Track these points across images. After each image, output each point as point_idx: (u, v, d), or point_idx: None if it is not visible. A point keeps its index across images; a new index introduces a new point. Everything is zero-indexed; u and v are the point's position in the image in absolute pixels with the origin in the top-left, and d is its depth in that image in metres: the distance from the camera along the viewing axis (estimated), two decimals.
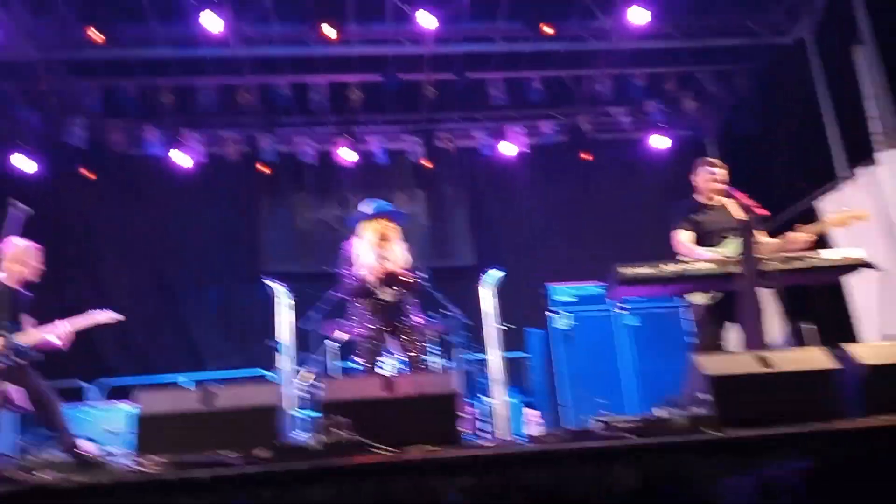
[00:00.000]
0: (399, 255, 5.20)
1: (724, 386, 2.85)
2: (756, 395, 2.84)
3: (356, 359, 5.26)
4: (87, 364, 8.63)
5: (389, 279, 5.10)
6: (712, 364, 2.98)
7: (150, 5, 7.46)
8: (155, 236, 9.43)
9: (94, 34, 7.04)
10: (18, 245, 5.10)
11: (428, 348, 6.62)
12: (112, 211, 9.37)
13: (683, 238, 4.90)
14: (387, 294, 5.12)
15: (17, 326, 4.68)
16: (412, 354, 5.14)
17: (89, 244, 9.36)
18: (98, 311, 5.41)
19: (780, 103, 8.42)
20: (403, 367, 5.36)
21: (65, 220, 9.12)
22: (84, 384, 8.12)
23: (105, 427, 5.76)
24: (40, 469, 2.38)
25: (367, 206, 5.33)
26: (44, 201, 8.19)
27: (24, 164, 8.83)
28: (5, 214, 4.54)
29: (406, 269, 5.14)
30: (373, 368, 5.11)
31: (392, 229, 5.24)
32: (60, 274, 8.74)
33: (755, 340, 3.79)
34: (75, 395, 7.91)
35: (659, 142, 9.66)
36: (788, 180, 8.17)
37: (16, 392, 4.58)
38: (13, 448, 5.31)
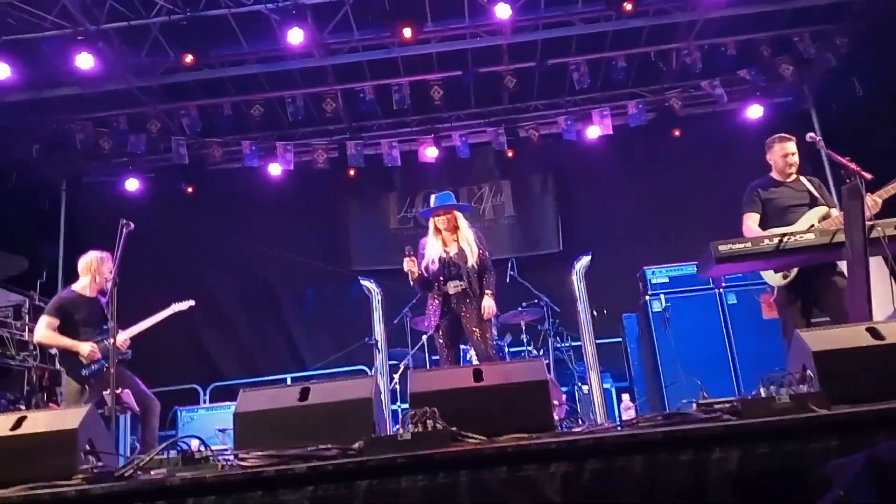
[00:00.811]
0: (468, 245, 5.21)
1: (830, 361, 2.68)
2: (866, 370, 2.65)
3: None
4: (201, 370, 9.20)
5: (450, 270, 5.17)
6: (817, 338, 2.80)
7: (238, 27, 7.81)
8: (254, 244, 9.87)
9: (188, 59, 7.43)
10: (91, 257, 5.46)
11: (496, 337, 6.64)
12: (213, 222, 9.90)
13: (750, 222, 4.78)
14: (451, 286, 5.17)
15: (106, 332, 4.98)
16: (479, 344, 5.13)
17: (194, 255, 9.94)
18: (177, 302, 5.75)
19: (886, 60, 7.82)
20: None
21: (170, 234, 9.72)
22: (199, 388, 8.63)
23: (215, 426, 6.13)
24: (152, 467, 2.54)
25: (431, 201, 5.44)
26: (151, 217, 8.83)
27: (132, 183, 9.50)
28: (117, 231, 4.84)
29: (476, 259, 5.20)
30: (451, 359, 5.21)
31: (452, 220, 5.25)
32: (169, 284, 9.35)
33: (864, 312, 3.55)
34: (192, 399, 8.42)
35: (755, 112, 9.21)
36: None
37: (126, 394, 4.92)
38: (128, 447, 5.68)
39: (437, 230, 5.25)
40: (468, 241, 5.21)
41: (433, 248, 5.22)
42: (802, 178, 4.84)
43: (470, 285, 5.15)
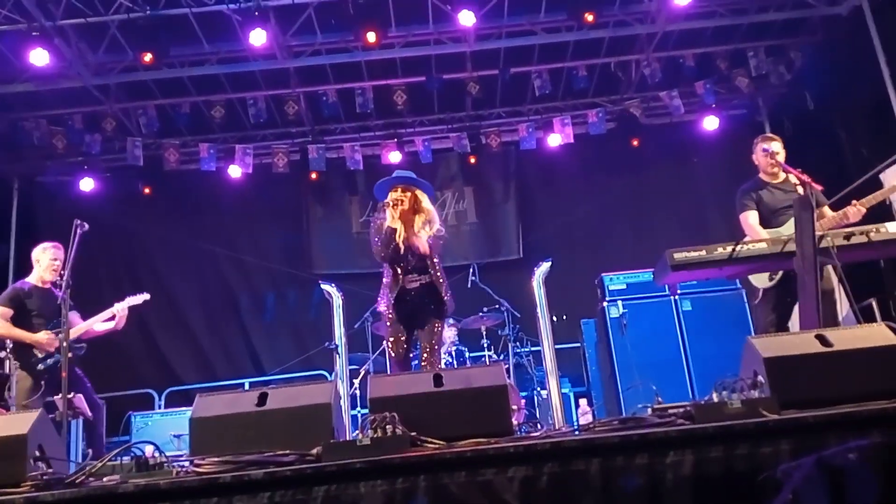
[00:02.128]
0: (421, 227, 4.50)
1: (781, 367, 2.75)
2: (815, 375, 2.73)
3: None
4: (157, 374, 9.04)
5: (409, 261, 4.50)
6: (768, 345, 2.88)
7: (199, 27, 7.71)
8: (213, 247, 9.75)
9: (147, 58, 7.30)
10: (38, 248, 5.38)
11: (455, 342, 6.49)
12: (172, 224, 9.76)
13: (751, 220, 4.80)
14: (409, 280, 4.54)
15: (59, 324, 4.88)
16: (426, 348, 4.52)
17: (152, 257, 9.78)
18: (131, 295, 5.65)
19: (838, 75, 8.09)
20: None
21: (127, 236, 9.55)
22: (154, 392, 8.47)
23: (170, 432, 6.02)
24: (105, 473, 2.48)
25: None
26: (107, 217, 8.65)
27: (87, 183, 9.29)
28: (71, 232, 4.74)
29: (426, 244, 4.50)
30: (402, 357, 4.57)
31: (412, 199, 4.55)
32: (126, 286, 9.16)
33: (814, 319, 3.66)
34: (147, 404, 8.26)
35: (712, 123, 9.42)
36: (852, 153, 7.85)
37: (78, 399, 4.81)
38: (79, 453, 5.56)
39: (394, 211, 4.47)
40: (423, 224, 4.51)
41: (389, 223, 4.47)
42: (792, 178, 4.85)
43: (433, 280, 4.52)
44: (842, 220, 4.48)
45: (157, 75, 8.20)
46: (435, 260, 4.58)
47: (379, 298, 4.71)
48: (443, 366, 6.60)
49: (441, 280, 4.58)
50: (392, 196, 4.52)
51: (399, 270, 4.55)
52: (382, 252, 4.50)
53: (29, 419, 2.77)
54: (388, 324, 4.60)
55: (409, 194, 4.56)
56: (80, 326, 5.29)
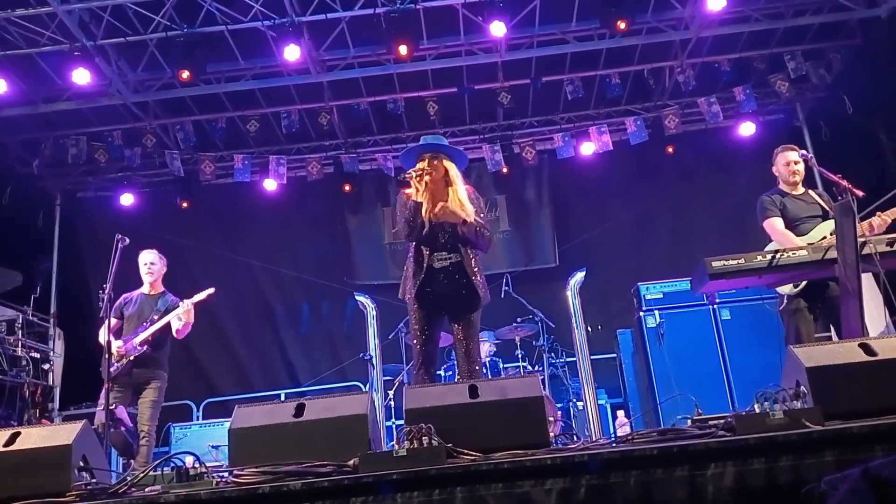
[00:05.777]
0: (461, 206, 3.96)
1: (824, 377, 2.69)
2: (860, 385, 2.67)
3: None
4: (195, 385, 9.17)
5: (438, 238, 3.99)
6: (811, 354, 2.82)
7: (234, 43, 7.86)
8: (250, 259, 9.88)
9: (185, 75, 7.45)
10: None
11: (490, 353, 6.37)
12: (209, 237, 9.93)
13: (779, 226, 4.72)
14: (438, 259, 4.02)
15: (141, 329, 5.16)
16: (464, 362, 4.02)
17: (190, 270, 9.90)
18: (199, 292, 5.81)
19: (878, 79, 7.92)
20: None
21: (165, 249, 9.62)
22: (192, 404, 8.59)
23: (208, 443, 6.11)
24: (146, 483, 2.52)
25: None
26: (146, 231, 8.80)
27: (126, 199, 9.51)
28: (112, 246, 4.85)
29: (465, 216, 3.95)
30: (427, 352, 4.05)
31: (441, 169, 4.00)
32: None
33: (857, 328, 3.57)
34: (186, 415, 8.38)
35: (748, 129, 9.29)
36: (894, 158, 7.67)
37: (119, 410, 4.90)
38: (121, 463, 5.67)
39: (419, 183, 3.92)
40: (462, 201, 3.97)
41: (415, 197, 3.94)
42: (811, 192, 4.85)
43: (464, 260, 4.01)
44: (866, 232, 4.37)
45: (193, 91, 8.37)
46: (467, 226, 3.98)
47: (403, 283, 4.19)
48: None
49: (475, 267, 4.05)
50: (418, 166, 3.96)
51: (426, 250, 4.04)
52: (407, 230, 3.97)
53: (73, 430, 2.82)
54: (413, 312, 4.08)
55: (439, 163, 4.00)
56: (140, 339, 5.41)
